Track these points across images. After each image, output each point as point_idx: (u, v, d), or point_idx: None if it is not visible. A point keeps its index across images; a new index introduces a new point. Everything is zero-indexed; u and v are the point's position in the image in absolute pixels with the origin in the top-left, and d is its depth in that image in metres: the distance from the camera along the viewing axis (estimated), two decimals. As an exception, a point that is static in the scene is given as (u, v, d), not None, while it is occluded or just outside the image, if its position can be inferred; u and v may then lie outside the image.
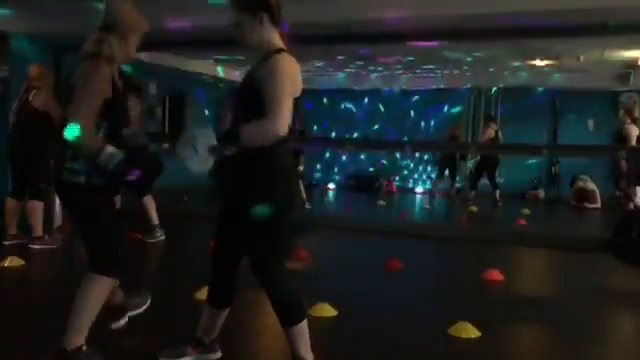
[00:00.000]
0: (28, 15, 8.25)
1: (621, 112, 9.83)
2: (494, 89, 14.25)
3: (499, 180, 11.61)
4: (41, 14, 8.09)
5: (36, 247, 5.99)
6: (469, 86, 14.32)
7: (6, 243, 6.05)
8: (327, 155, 15.57)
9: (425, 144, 11.59)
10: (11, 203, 6.14)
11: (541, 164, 14.04)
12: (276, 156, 2.68)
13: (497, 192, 11.32)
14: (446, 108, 14.56)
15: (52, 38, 8.82)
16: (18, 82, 6.59)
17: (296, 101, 2.67)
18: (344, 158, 15.57)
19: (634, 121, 9.31)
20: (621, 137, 9.55)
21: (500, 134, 11.62)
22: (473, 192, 11.72)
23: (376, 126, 15.17)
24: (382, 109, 15.28)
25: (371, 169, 15.28)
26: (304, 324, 2.84)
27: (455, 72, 12.39)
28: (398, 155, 14.86)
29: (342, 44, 9.16)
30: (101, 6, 3.02)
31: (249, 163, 2.66)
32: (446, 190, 12.63)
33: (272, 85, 2.56)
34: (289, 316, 2.83)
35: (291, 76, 2.63)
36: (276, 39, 2.73)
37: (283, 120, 2.53)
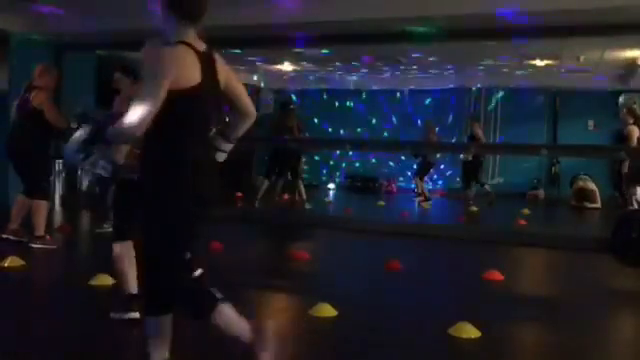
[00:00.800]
0: (28, 15, 8.25)
1: (623, 111, 9.70)
2: (489, 89, 14.27)
3: (499, 180, 11.61)
4: (41, 14, 8.09)
5: (36, 246, 5.99)
6: (469, 86, 14.32)
7: (3, 236, 6.04)
8: (327, 155, 15.56)
9: (424, 144, 11.53)
10: (20, 199, 6.15)
11: (541, 164, 14.04)
12: (179, 147, 2.57)
13: (487, 186, 11.32)
14: (445, 108, 14.55)
15: (52, 38, 8.83)
16: (18, 81, 6.59)
17: (207, 94, 2.59)
18: (343, 159, 15.56)
19: (636, 121, 9.23)
20: (622, 137, 9.48)
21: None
22: (473, 191, 11.72)
23: (373, 129, 15.18)
24: (381, 109, 15.28)
25: (365, 171, 15.29)
26: (161, 320, 2.74)
27: (454, 72, 12.39)
28: (403, 157, 14.86)
29: (343, 44, 9.17)
30: None
31: (152, 151, 2.60)
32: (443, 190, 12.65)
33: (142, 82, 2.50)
34: (149, 307, 2.75)
35: (168, 65, 2.46)
36: (181, 33, 2.59)
37: (135, 120, 2.39)
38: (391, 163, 15.13)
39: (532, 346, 3.95)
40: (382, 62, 11.39)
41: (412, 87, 14.78)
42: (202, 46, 2.63)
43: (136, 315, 3.67)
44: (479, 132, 11.44)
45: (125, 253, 3.75)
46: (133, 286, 3.75)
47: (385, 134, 14.97)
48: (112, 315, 3.75)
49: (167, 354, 2.82)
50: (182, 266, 2.68)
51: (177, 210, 2.61)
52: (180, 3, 2.58)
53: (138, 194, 2.72)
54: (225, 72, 2.74)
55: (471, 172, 11.42)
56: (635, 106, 10.12)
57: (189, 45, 2.56)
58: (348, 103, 15.57)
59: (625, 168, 9.01)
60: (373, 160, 15.29)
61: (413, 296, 5.01)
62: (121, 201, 3.79)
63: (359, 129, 15.21)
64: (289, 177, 10.40)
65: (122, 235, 3.76)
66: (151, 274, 2.71)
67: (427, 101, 14.74)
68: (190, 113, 2.57)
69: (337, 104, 15.59)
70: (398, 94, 15.13)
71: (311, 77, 13.69)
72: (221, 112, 2.86)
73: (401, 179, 14.98)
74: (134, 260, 3.62)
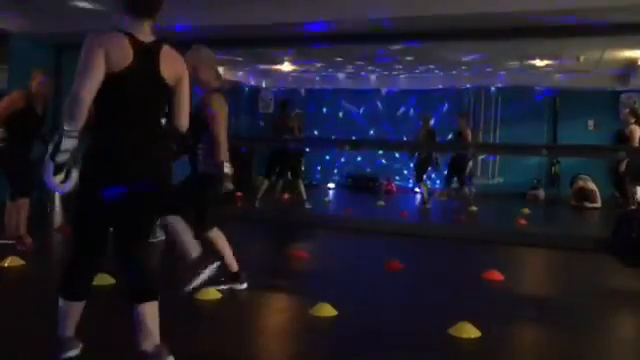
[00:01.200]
0: (28, 15, 8.26)
1: (626, 111, 9.62)
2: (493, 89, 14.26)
3: (499, 180, 11.57)
4: (41, 14, 8.10)
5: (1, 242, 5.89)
6: (468, 86, 14.32)
7: (1, 242, 6.03)
8: (327, 155, 15.57)
9: (423, 144, 11.49)
10: (7, 205, 6.10)
11: (541, 164, 14.04)
12: (104, 133, 2.69)
13: (466, 189, 11.23)
14: (445, 108, 14.54)
15: (52, 38, 8.82)
16: (18, 81, 6.59)
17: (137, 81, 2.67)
18: (343, 159, 15.56)
19: (638, 121, 9.18)
20: (623, 137, 9.45)
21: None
22: (473, 191, 11.71)
23: (373, 129, 15.19)
24: (381, 109, 15.29)
25: (368, 170, 15.26)
26: (65, 305, 2.90)
27: (455, 72, 12.40)
28: (397, 155, 14.86)
29: (341, 44, 9.18)
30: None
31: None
32: (441, 190, 12.60)
33: None
34: (61, 286, 2.91)
35: (94, 46, 2.61)
36: (127, 25, 2.72)
37: (70, 105, 2.54)
38: (384, 161, 15.15)
39: (532, 346, 3.95)
40: (380, 63, 11.41)
41: (408, 87, 14.78)
42: (148, 38, 2.73)
43: (243, 286, 4.70)
44: (467, 129, 11.46)
45: (219, 236, 4.56)
46: (233, 265, 4.65)
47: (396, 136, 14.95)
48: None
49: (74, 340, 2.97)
50: (84, 250, 2.85)
51: (88, 192, 2.72)
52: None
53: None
54: (174, 69, 2.80)
55: (457, 169, 11.43)
56: (637, 106, 10.10)
57: (127, 34, 2.67)
58: (348, 103, 15.60)
59: (622, 167, 9.00)
60: (383, 161, 15.26)
61: (413, 296, 5.01)
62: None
63: (369, 129, 15.24)
64: (289, 177, 10.40)
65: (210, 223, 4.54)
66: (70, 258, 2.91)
67: (425, 101, 14.72)
68: (116, 95, 2.65)
69: (336, 104, 15.63)
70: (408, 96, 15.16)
71: (308, 77, 13.71)
72: (165, 101, 2.87)
73: (397, 178, 14.99)
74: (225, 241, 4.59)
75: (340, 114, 15.61)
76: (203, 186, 4.35)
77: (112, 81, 2.61)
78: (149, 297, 2.80)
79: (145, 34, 2.73)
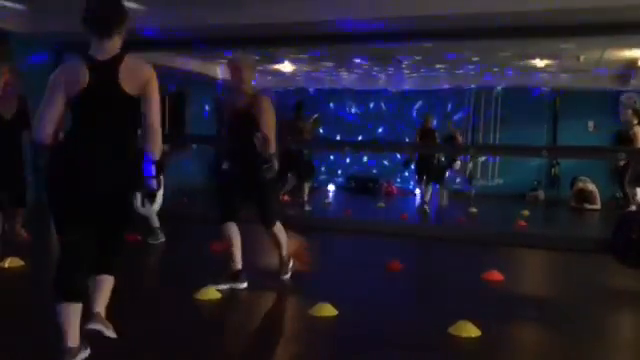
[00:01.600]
0: (28, 14, 8.26)
1: (629, 112, 9.55)
2: (497, 89, 14.25)
3: (499, 181, 11.60)
4: (41, 14, 8.10)
5: None
6: (469, 86, 14.31)
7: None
8: (331, 156, 15.53)
9: (424, 146, 11.46)
10: None
11: (541, 165, 14.02)
12: (57, 146, 2.96)
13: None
14: (448, 108, 14.53)
15: (52, 38, 8.82)
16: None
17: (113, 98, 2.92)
18: (348, 159, 15.53)
19: None
20: (625, 138, 9.39)
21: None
22: (473, 192, 11.72)
23: (380, 129, 15.18)
24: (384, 109, 15.29)
25: (374, 171, 15.24)
26: (62, 308, 2.98)
27: (455, 72, 12.41)
28: (398, 156, 14.85)
29: (343, 44, 9.18)
30: None
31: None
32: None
33: None
34: (53, 289, 3.06)
35: (55, 80, 2.92)
36: (92, 44, 2.98)
37: (34, 127, 2.98)
38: (386, 162, 15.12)
39: (532, 346, 3.95)
40: (380, 62, 11.42)
41: (410, 88, 14.78)
42: (106, 55, 2.94)
43: (243, 285, 4.77)
44: (457, 132, 11.55)
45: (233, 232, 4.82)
46: (237, 263, 4.78)
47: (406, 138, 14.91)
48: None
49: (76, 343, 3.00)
50: (69, 251, 3.05)
51: (51, 195, 2.98)
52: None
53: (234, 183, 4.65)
54: (136, 79, 2.97)
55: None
56: (638, 106, 10.07)
57: (86, 56, 2.94)
58: (355, 103, 15.59)
59: (621, 162, 8.98)
60: (385, 162, 15.21)
61: (413, 296, 5.02)
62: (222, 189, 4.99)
63: (378, 129, 15.23)
64: (289, 178, 10.36)
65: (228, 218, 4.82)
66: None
67: (425, 101, 14.71)
68: (79, 113, 2.94)
69: (342, 104, 15.63)
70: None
71: (309, 77, 13.71)
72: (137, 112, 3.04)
73: (398, 180, 14.97)
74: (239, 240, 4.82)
75: (345, 114, 15.59)
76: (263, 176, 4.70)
77: (73, 102, 2.91)
78: (108, 272, 3.11)
79: (106, 51, 2.94)
